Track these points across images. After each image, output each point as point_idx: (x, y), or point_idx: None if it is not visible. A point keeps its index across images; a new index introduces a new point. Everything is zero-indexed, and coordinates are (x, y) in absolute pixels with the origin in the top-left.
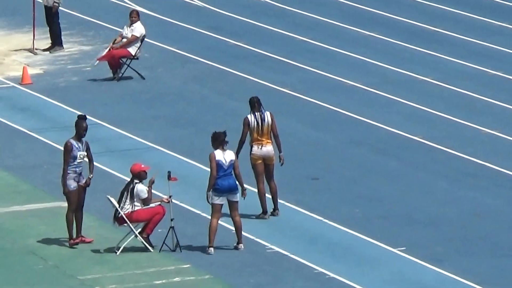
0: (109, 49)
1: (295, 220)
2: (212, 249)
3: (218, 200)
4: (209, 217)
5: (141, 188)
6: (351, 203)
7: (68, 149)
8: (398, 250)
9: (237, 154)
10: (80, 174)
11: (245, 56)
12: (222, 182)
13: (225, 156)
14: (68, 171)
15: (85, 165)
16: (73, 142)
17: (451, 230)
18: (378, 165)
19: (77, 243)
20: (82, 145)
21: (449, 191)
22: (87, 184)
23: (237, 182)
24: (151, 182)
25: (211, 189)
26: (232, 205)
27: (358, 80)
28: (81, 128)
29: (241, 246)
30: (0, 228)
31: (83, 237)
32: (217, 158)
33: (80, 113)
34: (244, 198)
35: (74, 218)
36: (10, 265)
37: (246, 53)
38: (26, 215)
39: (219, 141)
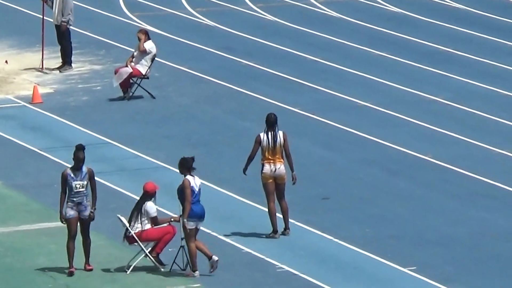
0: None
1: (306, 239)
2: (197, 272)
3: (192, 225)
4: (220, 236)
5: (150, 206)
6: (362, 222)
7: (62, 179)
8: (409, 269)
9: (244, 170)
10: (79, 203)
11: (257, 76)
12: (195, 207)
13: (196, 181)
14: (67, 200)
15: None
16: (69, 172)
17: (462, 250)
18: (389, 185)
19: (73, 273)
20: (81, 174)
21: (461, 211)
22: (90, 219)
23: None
24: (176, 220)
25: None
26: (197, 232)
27: (370, 100)
28: (77, 159)
29: (197, 273)
30: (10, 247)
31: (88, 264)
32: (190, 184)
33: (78, 144)
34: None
35: (74, 246)
36: (20, 284)
37: (258, 73)
38: (36, 234)
39: (187, 167)
